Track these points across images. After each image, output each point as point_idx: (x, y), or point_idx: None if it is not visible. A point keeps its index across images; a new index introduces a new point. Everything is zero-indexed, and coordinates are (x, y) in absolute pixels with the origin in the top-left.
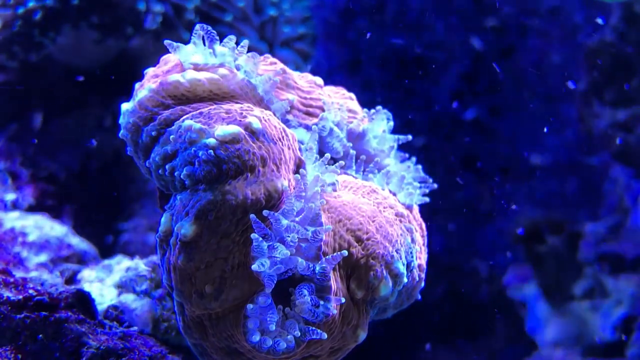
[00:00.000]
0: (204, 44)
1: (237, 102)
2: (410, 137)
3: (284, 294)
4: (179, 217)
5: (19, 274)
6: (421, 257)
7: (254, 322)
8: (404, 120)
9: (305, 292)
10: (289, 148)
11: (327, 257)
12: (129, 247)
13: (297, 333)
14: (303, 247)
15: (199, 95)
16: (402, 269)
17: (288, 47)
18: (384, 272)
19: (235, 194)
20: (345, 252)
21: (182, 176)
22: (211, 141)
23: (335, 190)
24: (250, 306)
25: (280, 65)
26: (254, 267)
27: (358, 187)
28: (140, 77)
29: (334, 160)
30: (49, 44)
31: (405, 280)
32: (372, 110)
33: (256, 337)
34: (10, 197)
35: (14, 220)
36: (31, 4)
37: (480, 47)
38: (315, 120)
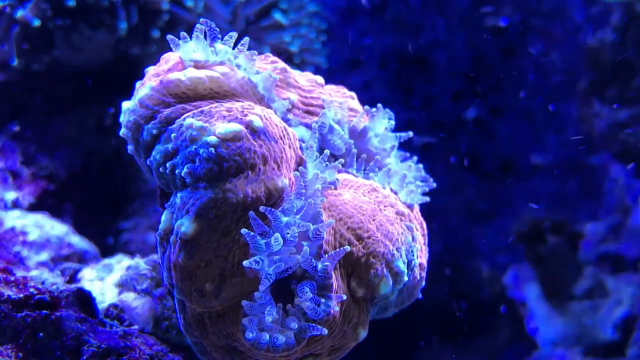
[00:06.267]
0: (206, 41)
1: (238, 101)
2: (411, 133)
3: (285, 292)
4: (180, 215)
5: (19, 272)
6: (422, 256)
7: (251, 319)
8: (404, 119)
9: (307, 289)
10: (289, 147)
11: (330, 253)
12: (130, 246)
13: (295, 325)
14: (304, 245)
15: (200, 94)
16: (403, 267)
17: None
18: (385, 270)
19: (236, 192)
20: (348, 248)
21: (182, 174)
22: (212, 139)
23: (335, 188)
24: (246, 303)
25: (281, 64)
26: (246, 263)
27: (359, 185)
28: (141, 76)
29: (334, 158)
30: (54, 46)
31: (406, 278)
32: (373, 109)
33: (252, 334)
34: (10, 196)
35: (15, 219)
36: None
37: (480, 47)
38: (316, 118)
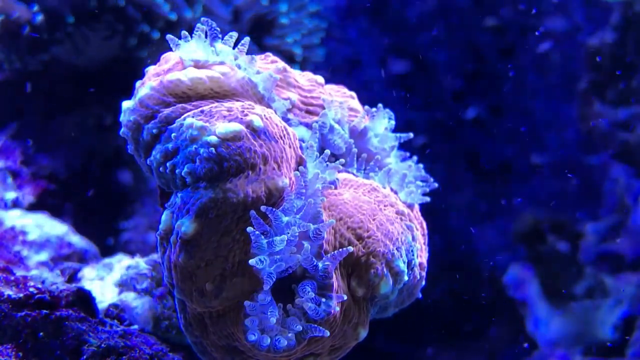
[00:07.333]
0: (206, 41)
1: (238, 100)
2: (411, 134)
3: (284, 292)
4: (180, 215)
5: (19, 272)
6: (422, 256)
7: (252, 320)
8: (404, 119)
9: (309, 289)
10: (290, 146)
11: (332, 253)
12: (130, 245)
13: (299, 327)
14: (305, 245)
15: (200, 93)
16: (403, 267)
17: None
18: (385, 270)
19: (236, 191)
20: (351, 248)
21: (183, 174)
22: (212, 139)
23: (336, 188)
24: (249, 303)
25: (281, 64)
26: (252, 261)
27: (359, 185)
28: (141, 75)
29: (335, 157)
30: (54, 46)
31: (406, 278)
32: (374, 109)
33: (254, 335)
34: (10, 195)
35: (15, 218)
36: (36, 7)
37: (480, 47)
38: (316, 118)
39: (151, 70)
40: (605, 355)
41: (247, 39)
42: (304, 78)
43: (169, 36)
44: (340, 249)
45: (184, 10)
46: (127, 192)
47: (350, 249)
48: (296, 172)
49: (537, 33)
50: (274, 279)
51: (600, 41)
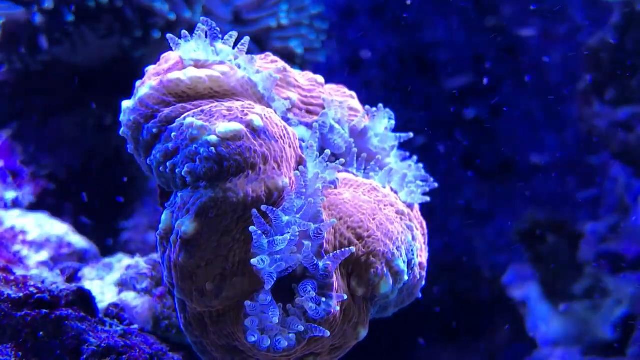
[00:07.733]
0: (206, 41)
1: (238, 100)
2: (411, 134)
3: (284, 292)
4: (180, 215)
5: (19, 272)
6: (422, 256)
7: (253, 320)
8: (404, 119)
9: (310, 287)
10: (290, 146)
11: (333, 253)
12: (130, 245)
13: (301, 327)
14: (305, 244)
15: (200, 93)
16: (403, 266)
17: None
18: (385, 269)
19: (236, 191)
20: (353, 249)
21: (183, 173)
22: (212, 138)
23: (336, 188)
24: (249, 304)
25: (281, 64)
26: (253, 261)
27: (359, 184)
28: (141, 75)
29: (335, 157)
30: (53, 46)
31: (406, 277)
32: (374, 109)
33: (254, 336)
34: (10, 195)
35: (15, 218)
36: (35, 7)
37: (480, 47)
38: (316, 118)
39: (151, 69)
40: (605, 355)
41: (247, 39)
42: (304, 78)
43: (169, 36)
44: (342, 249)
45: (184, 10)
46: (127, 192)
47: (353, 249)
48: (296, 171)
49: (537, 33)
50: (275, 279)
51: (600, 41)
